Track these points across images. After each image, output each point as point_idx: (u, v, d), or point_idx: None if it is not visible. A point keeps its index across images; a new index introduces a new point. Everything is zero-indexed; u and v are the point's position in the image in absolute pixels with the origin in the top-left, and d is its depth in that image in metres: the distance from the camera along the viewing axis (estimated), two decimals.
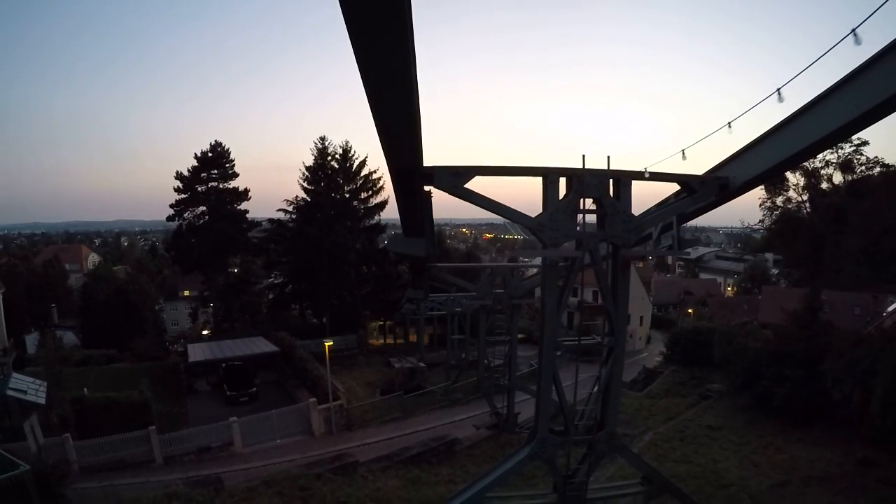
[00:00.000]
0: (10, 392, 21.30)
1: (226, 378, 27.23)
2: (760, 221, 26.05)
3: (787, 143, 8.15)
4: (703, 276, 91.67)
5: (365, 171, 41.53)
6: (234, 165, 42.41)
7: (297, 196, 41.40)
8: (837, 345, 20.45)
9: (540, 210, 7.68)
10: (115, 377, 27.89)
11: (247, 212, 43.36)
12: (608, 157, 7.46)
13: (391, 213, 41.61)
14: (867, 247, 26.80)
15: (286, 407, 22.44)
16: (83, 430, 19.60)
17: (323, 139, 41.02)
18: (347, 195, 41.33)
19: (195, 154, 41.28)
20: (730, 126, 7.28)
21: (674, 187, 9.32)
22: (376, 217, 42.94)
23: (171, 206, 41.24)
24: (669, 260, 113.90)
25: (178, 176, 41.07)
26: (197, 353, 30.28)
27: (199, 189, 41.36)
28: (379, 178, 41.32)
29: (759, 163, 8.58)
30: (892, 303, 37.19)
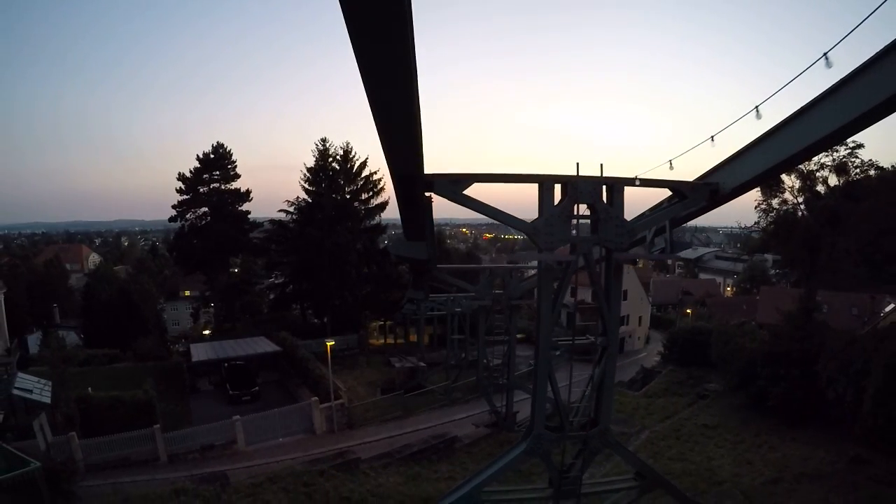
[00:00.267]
0: (15, 391, 21.64)
1: (228, 377, 27.52)
2: (756, 223, 26.40)
3: (775, 150, 8.47)
4: (702, 276, 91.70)
5: (365, 173, 41.90)
6: (235, 167, 42.80)
7: (297, 197, 41.83)
8: (831, 345, 20.74)
9: (536, 213, 8.01)
10: (118, 377, 28.17)
11: (248, 213, 43.70)
12: (601, 165, 7.80)
13: (391, 213, 42.02)
14: (864, 247, 27.15)
15: (288, 406, 22.72)
16: (88, 428, 19.81)
17: (324, 141, 41.38)
18: (348, 196, 41.66)
19: (197, 155, 41.70)
20: (713, 140, 7.60)
21: (667, 192, 9.65)
22: (377, 218, 43.31)
23: (174, 206, 41.60)
24: (669, 260, 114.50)
25: (181, 177, 41.42)
26: (200, 352, 30.59)
27: (201, 190, 41.74)
28: (379, 180, 41.70)
29: (749, 169, 8.89)
30: (890, 303, 37.52)
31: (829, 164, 23.94)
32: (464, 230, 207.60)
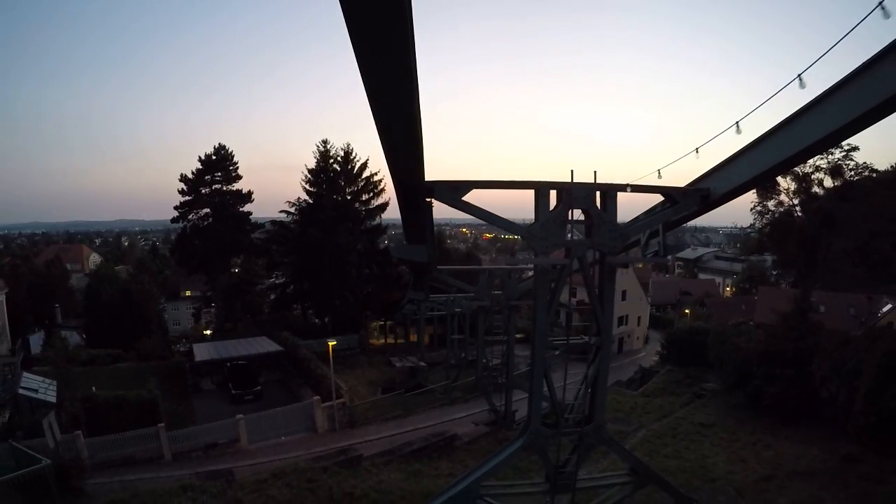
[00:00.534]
0: (21, 391, 21.97)
1: (231, 377, 27.84)
2: (751, 225, 26.74)
3: (765, 156, 8.78)
4: (702, 276, 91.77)
5: (366, 174, 42.24)
6: (237, 168, 43.13)
7: (298, 198, 42.18)
8: (825, 345, 21.07)
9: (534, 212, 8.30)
10: (121, 376, 28.50)
11: (250, 213, 44.02)
12: (594, 172, 8.14)
13: (392, 213, 42.36)
14: (860, 248, 27.43)
15: (290, 405, 23.05)
16: (93, 427, 20.06)
17: (325, 142, 41.74)
18: (349, 197, 42.00)
19: (199, 157, 42.01)
20: (697, 151, 7.93)
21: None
22: (377, 219, 43.65)
23: (176, 207, 41.94)
24: (669, 260, 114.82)
25: (183, 178, 41.74)
26: (203, 352, 30.91)
27: (203, 191, 42.03)
28: (380, 181, 42.04)
29: (739, 175, 9.20)
30: (887, 304, 37.83)
31: (825, 166, 24.25)
32: (464, 230, 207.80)
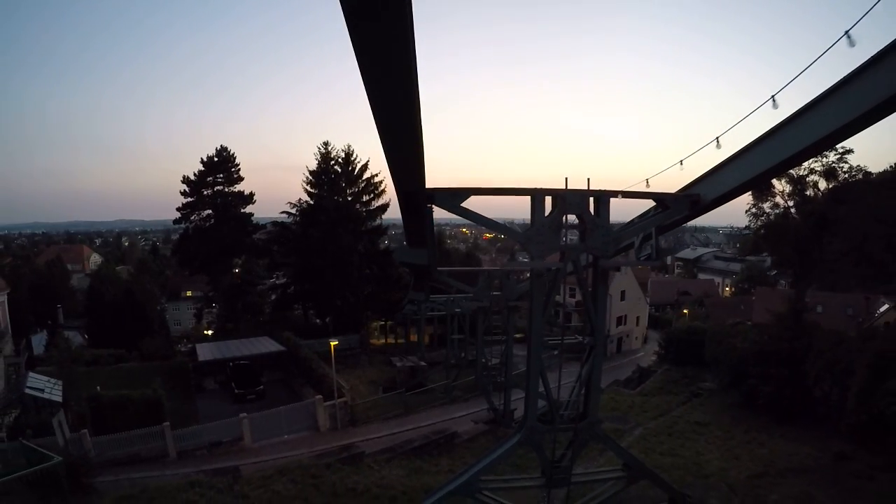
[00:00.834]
0: (28, 391, 22.32)
1: (233, 376, 28.15)
2: (747, 227, 27.11)
3: (752, 164, 9.15)
4: (701, 276, 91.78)
5: (367, 175, 42.55)
6: (239, 170, 43.51)
7: (300, 199, 42.47)
8: (818, 345, 21.41)
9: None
10: (124, 376, 28.74)
11: (251, 215, 44.39)
12: (588, 180, 8.50)
13: (392, 214, 42.73)
14: (853, 249, 27.83)
15: (293, 404, 23.36)
16: (99, 426, 20.34)
17: (326, 144, 42.07)
18: (350, 198, 42.33)
19: (201, 159, 42.36)
20: (681, 164, 8.30)
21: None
22: (378, 219, 43.99)
23: (178, 209, 42.33)
24: (669, 260, 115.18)
25: (185, 180, 42.12)
26: (206, 352, 31.22)
27: (205, 193, 42.40)
28: (380, 182, 42.38)
29: (728, 181, 9.58)
30: (884, 304, 38.14)
31: (819, 168, 24.63)
32: (464, 230, 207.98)
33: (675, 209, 9.59)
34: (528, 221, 8.67)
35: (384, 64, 4.54)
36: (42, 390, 22.63)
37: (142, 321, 43.01)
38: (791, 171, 23.76)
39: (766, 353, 23.01)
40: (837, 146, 23.18)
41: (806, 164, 23.31)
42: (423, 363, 33.04)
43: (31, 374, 25.13)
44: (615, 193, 8.74)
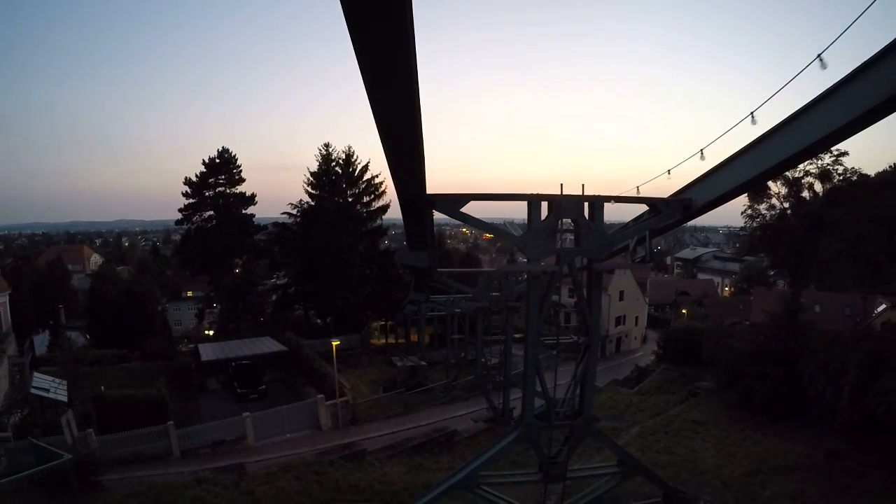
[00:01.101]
0: (33, 390, 22.64)
1: (236, 376, 28.48)
2: (742, 228, 27.44)
3: (742, 170, 9.46)
4: (701, 276, 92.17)
5: (367, 176, 42.91)
6: (241, 171, 43.86)
7: (301, 200, 42.86)
8: (813, 345, 21.70)
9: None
10: (127, 376, 29.05)
11: (253, 216, 44.73)
12: (583, 186, 8.83)
13: (392, 214, 43.07)
14: (847, 250, 28.12)
15: (295, 403, 23.71)
16: (103, 425, 20.65)
17: (327, 146, 42.43)
18: (350, 199, 42.68)
19: (203, 160, 42.69)
20: (669, 173, 8.62)
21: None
22: (378, 220, 44.33)
23: (180, 210, 42.66)
24: (668, 260, 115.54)
25: (187, 181, 42.46)
26: (208, 352, 31.55)
27: (207, 194, 42.74)
28: (381, 183, 42.74)
29: (718, 186, 9.87)
30: (882, 304, 38.45)
31: (814, 171, 24.93)
32: (464, 230, 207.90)
33: (668, 213, 9.89)
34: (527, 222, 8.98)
35: (386, 75, 4.73)
36: (47, 390, 22.95)
37: (143, 321, 43.39)
38: (786, 173, 24.08)
39: (762, 353, 23.29)
40: (832, 149, 23.47)
41: (801, 166, 23.60)
42: (423, 363, 33.35)
43: (35, 374, 25.44)
44: (609, 198, 9.06)
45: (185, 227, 44.23)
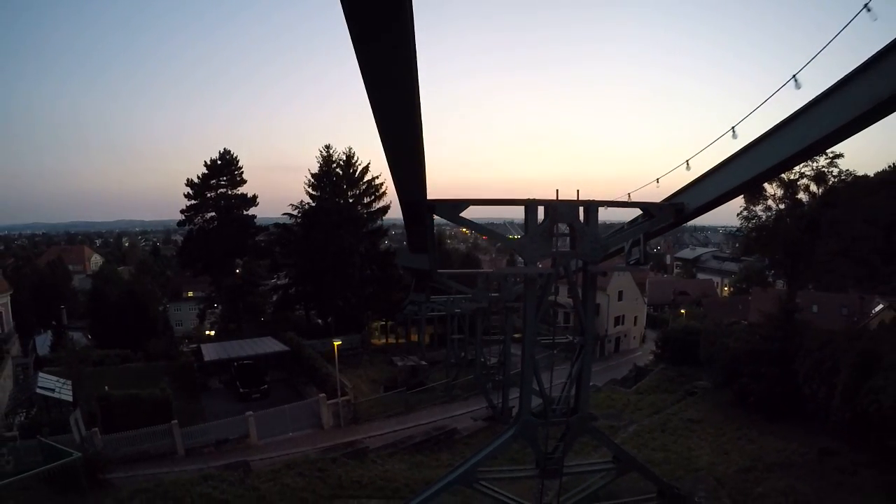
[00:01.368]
0: (39, 390, 22.97)
1: (238, 376, 28.76)
2: (738, 229, 27.75)
3: (731, 177, 9.79)
4: (700, 276, 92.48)
5: (367, 177, 43.21)
6: (242, 172, 44.12)
7: (301, 201, 43.08)
8: (808, 345, 21.99)
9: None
10: (131, 376, 29.39)
11: (254, 217, 45.04)
12: (577, 191, 9.15)
13: (393, 213, 43.40)
14: (842, 251, 28.40)
15: (297, 402, 24.02)
16: (108, 425, 20.91)
17: (328, 147, 42.72)
18: (351, 200, 42.98)
19: (205, 161, 43.00)
20: (658, 182, 8.96)
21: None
22: (379, 221, 44.64)
23: (182, 211, 42.96)
24: (668, 260, 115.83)
25: (189, 183, 42.75)
26: (211, 352, 31.82)
27: (209, 195, 43.03)
28: (381, 184, 43.04)
29: (709, 192, 10.20)
30: (879, 304, 38.77)
31: (809, 173, 25.24)
32: (464, 230, 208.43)
33: (661, 217, 10.22)
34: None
35: (386, 75, 4.75)
36: (53, 390, 23.26)
37: (145, 322, 43.70)
38: (782, 175, 24.39)
39: (757, 353, 23.55)
40: (827, 151, 23.78)
41: (796, 168, 23.93)
42: (423, 362, 33.66)
43: (41, 374, 25.75)
44: (603, 203, 9.39)
45: (186, 228, 44.52)
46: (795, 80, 5.63)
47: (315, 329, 43.01)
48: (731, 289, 79.32)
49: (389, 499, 12.72)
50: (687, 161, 8.13)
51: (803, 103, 8.04)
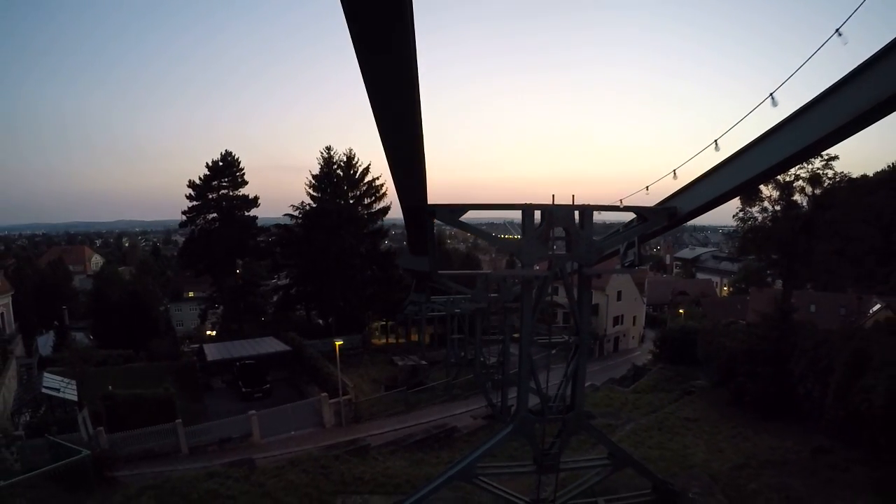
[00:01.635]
0: (44, 390, 23.29)
1: (241, 375, 29.11)
2: (735, 230, 28.08)
3: (723, 182, 10.11)
4: (700, 276, 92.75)
5: (368, 178, 43.53)
6: (243, 174, 44.47)
7: (302, 202, 43.42)
8: (803, 344, 22.30)
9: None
10: (134, 376, 29.65)
11: (256, 218, 45.36)
12: (573, 196, 9.47)
13: (393, 213, 43.74)
14: (837, 251, 28.74)
15: (299, 401, 24.36)
16: (113, 424, 21.25)
17: (329, 149, 43.07)
18: (352, 201, 43.31)
19: (206, 163, 43.37)
20: (647, 189, 9.28)
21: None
22: (379, 222, 44.97)
23: (184, 212, 43.30)
24: (668, 259, 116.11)
25: (191, 184, 43.07)
26: (214, 352, 32.18)
27: (211, 196, 43.36)
28: (382, 185, 43.36)
29: (701, 196, 10.52)
30: (877, 303, 39.10)
31: (805, 175, 25.56)
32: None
33: (654, 221, 10.54)
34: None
35: (386, 75, 4.78)
36: (58, 390, 23.59)
37: (147, 322, 43.97)
38: (778, 177, 24.70)
39: (754, 352, 23.83)
40: (823, 153, 24.09)
41: (792, 170, 24.25)
42: (423, 362, 33.95)
43: (45, 374, 26.07)
44: (598, 208, 9.71)
45: (188, 228, 44.84)
46: (773, 98, 5.93)
47: (316, 329, 43.33)
48: (731, 289, 79.63)
49: (391, 494, 13.01)
50: (674, 171, 8.44)
51: (787, 115, 8.38)
